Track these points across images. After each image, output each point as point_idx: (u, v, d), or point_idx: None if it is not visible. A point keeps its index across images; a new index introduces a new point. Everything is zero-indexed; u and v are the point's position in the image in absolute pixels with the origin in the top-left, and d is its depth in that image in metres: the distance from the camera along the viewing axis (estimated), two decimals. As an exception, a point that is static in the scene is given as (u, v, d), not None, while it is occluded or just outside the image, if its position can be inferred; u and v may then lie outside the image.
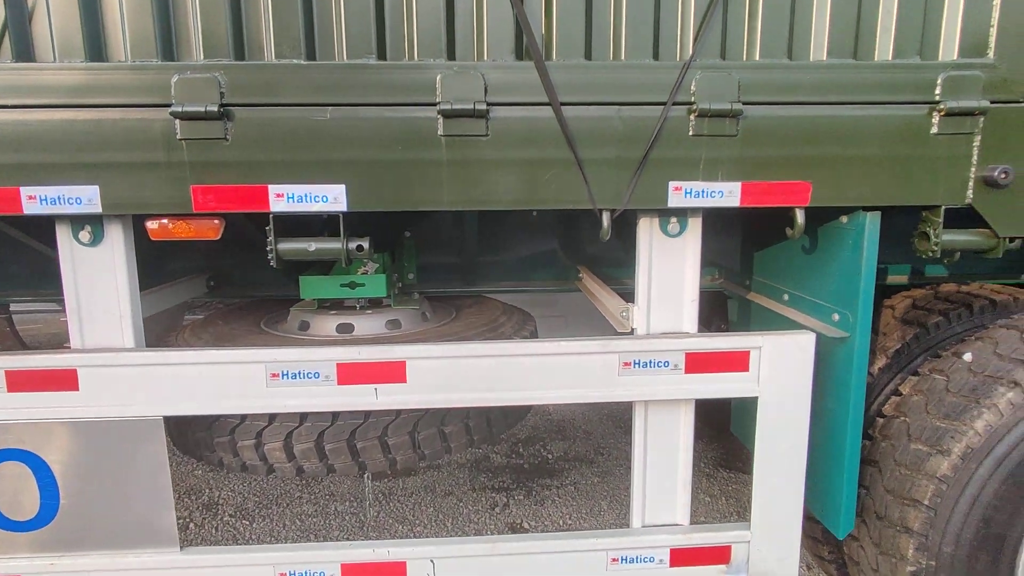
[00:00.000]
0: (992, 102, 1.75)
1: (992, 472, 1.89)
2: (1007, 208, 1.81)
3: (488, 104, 1.69)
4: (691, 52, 1.71)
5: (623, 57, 1.73)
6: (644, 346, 1.83)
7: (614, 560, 1.93)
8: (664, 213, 1.87)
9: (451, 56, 1.73)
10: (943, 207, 1.82)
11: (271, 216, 1.75)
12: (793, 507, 1.96)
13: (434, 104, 1.69)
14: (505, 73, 1.71)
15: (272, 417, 1.97)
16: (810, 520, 2.48)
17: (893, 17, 1.74)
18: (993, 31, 1.74)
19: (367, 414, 1.93)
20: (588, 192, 1.74)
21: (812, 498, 2.09)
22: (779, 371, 1.88)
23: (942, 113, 1.75)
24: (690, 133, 1.73)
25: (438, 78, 1.69)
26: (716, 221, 2.68)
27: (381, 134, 1.70)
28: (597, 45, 1.73)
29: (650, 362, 1.84)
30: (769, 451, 1.92)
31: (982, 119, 1.76)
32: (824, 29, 1.74)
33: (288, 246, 1.80)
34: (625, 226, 1.95)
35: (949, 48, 1.77)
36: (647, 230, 1.89)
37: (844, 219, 1.92)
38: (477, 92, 1.68)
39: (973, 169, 1.79)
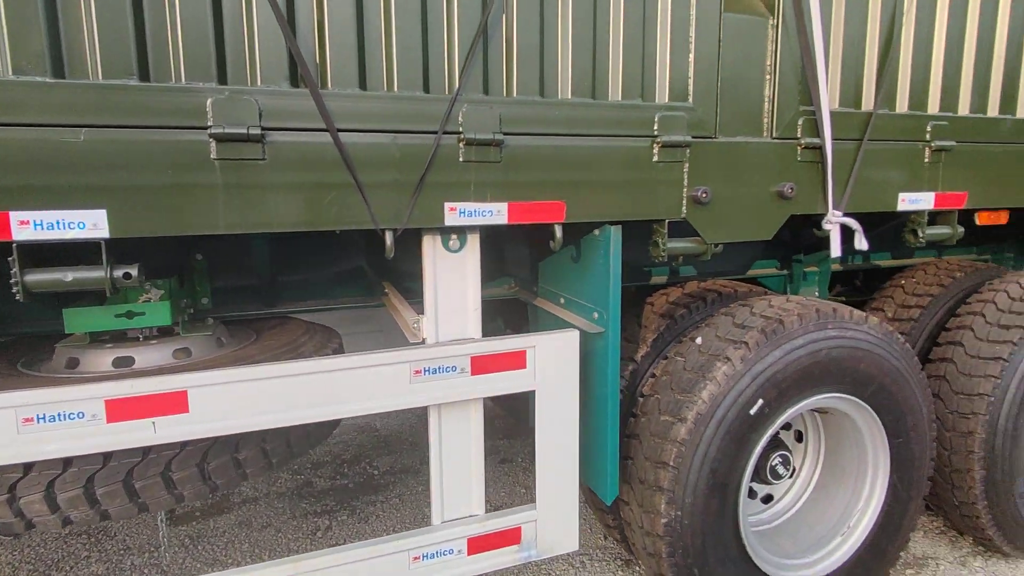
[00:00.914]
0: (694, 137, 2.20)
1: (715, 432, 2.35)
2: (710, 220, 2.29)
3: (264, 129, 1.73)
4: (457, 87, 1.91)
5: (396, 89, 1.87)
6: (431, 354, 1.98)
7: (415, 558, 2.05)
8: (444, 231, 2.05)
9: (222, 80, 1.73)
10: (666, 220, 2.24)
11: (15, 246, 1.59)
12: (570, 484, 2.25)
13: (205, 128, 1.68)
14: (280, 99, 1.76)
15: (29, 467, 1.77)
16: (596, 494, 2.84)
17: (619, 66, 2.12)
18: (691, 82, 2.20)
19: (146, 450, 1.82)
20: (369, 213, 1.85)
21: (587, 473, 2.42)
22: (551, 366, 2.15)
23: (660, 145, 2.16)
24: (460, 159, 1.93)
25: (209, 102, 1.68)
26: (512, 235, 2.95)
27: (147, 157, 1.65)
28: (371, 76, 1.86)
29: (439, 368, 2.00)
30: (547, 436, 2.19)
31: (688, 150, 2.21)
32: (567, 72, 2.06)
33: (38, 277, 1.65)
34: (418, 243, 2.09)
35: (662, 93, 2.20)
36: (430, 247, 2.05)
37: (597, 232, 2.26)
38: (251, 117, 1.71)
39: (685, 190, 2.23)
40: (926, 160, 2.64)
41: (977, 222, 3.02)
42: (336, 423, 2.73)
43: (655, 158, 2.17)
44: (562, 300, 2.64)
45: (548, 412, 2.17)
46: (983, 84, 2.76)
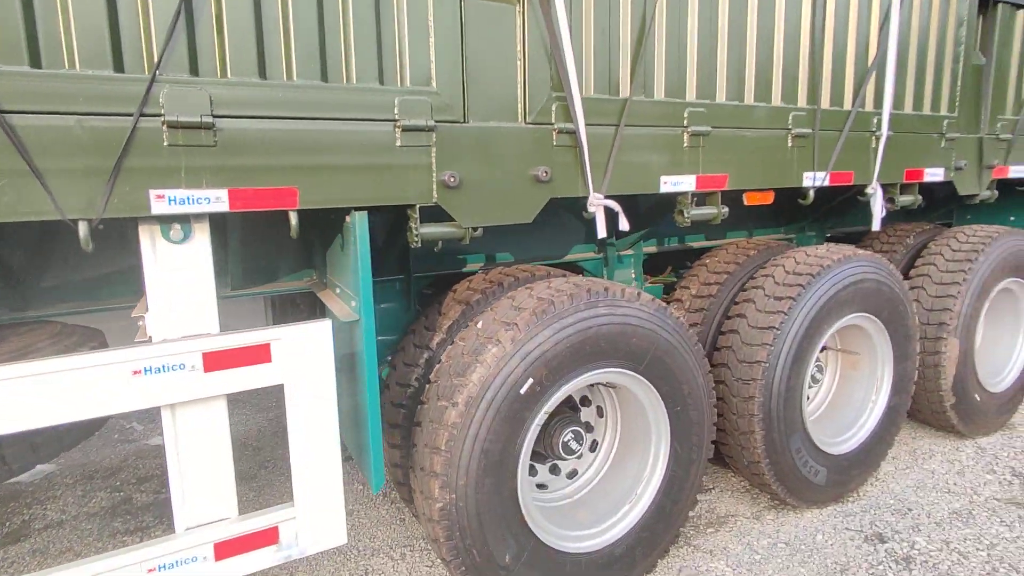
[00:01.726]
0: (438, 122, 2.20)
1: (486, 413, 2.38)
2: (464, 204, 2.31)
3: (-100, 110, 1.53)
4: (156, 66, 1.79)
5: (79, 67, 1.72)
6: (151, 353, 1.85)
7: (151, 570, 1.92)
8: (164, 220, 1.92)
9: None
10: (417, 205, 2.23)
11: None
12: (333, 478, 2.19)
13: None
14: (-74, 77, 1.57)
15: None
16: (401, 484, 2.80)
17: (352, 49, 2.07)
18: (433, 66, 2.20)
19: None
20: (53, 202, 1.70)
21: (360, 462, 2.37)
22: (301, 358, 2.08)
23: (402, 129, 2.14)
24: (165, 143, 1.81)
25: None
26: (314, 226, 2.82)
27: None
28: (47, 52, 1.70)
29: (163, 367, 1.87)
30: (302, 430, 2.12)
31: (434, 135, 2.20)
32: (292, 54, 1.99)
33: None
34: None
35: (404, 77, 2.17)
36: (148, 238, 1.92)
37: (348, 219, 2.21)
38: None
39: (434, 175, 2.23)
40: (685, 144, 2.81)
41: (745, 202, 3.26)
42: (95, 427, 2.54)
43: (398, 142, 2.15)
44: (338, 291, 2.58)
45: (300, 406, 2.10)
46: (739, 73, 2.97)
